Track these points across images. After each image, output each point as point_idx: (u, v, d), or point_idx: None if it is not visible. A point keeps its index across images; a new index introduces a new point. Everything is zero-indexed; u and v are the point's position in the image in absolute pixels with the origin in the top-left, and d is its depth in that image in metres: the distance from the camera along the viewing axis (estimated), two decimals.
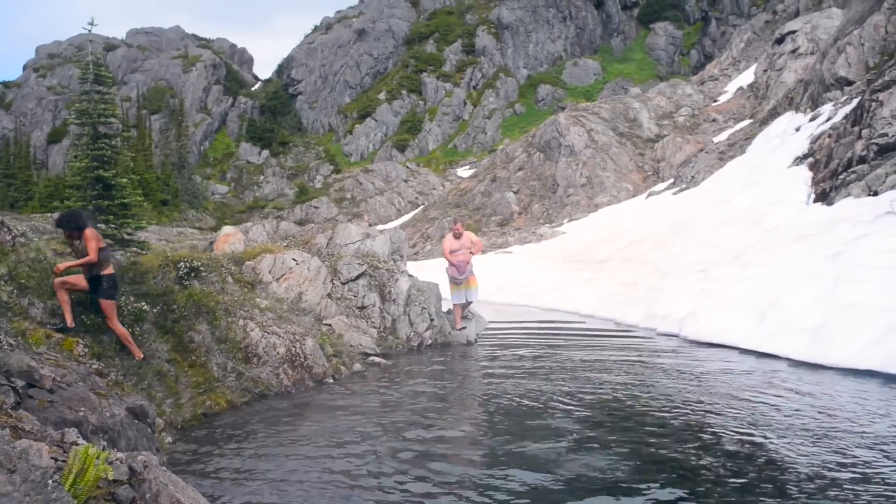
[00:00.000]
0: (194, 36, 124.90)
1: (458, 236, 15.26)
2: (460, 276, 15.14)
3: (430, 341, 14.70)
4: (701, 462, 7.25)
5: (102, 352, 8.47)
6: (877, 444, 7.82)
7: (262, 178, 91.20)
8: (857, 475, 6.75)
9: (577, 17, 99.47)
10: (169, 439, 8.03)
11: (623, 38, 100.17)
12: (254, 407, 9.69)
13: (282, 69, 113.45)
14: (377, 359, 12.77)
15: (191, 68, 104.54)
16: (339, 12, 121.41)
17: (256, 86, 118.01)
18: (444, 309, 15.71)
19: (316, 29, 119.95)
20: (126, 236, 9.95)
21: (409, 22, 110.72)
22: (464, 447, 8.16)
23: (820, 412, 9.19)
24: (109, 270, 8.36)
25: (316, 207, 77.13)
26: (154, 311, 9.79)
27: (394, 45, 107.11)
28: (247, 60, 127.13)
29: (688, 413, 9.19)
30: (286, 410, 9.55)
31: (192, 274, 11.04)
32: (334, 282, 14.21)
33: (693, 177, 38.35)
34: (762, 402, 9.73)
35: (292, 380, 10.59)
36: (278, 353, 10.68)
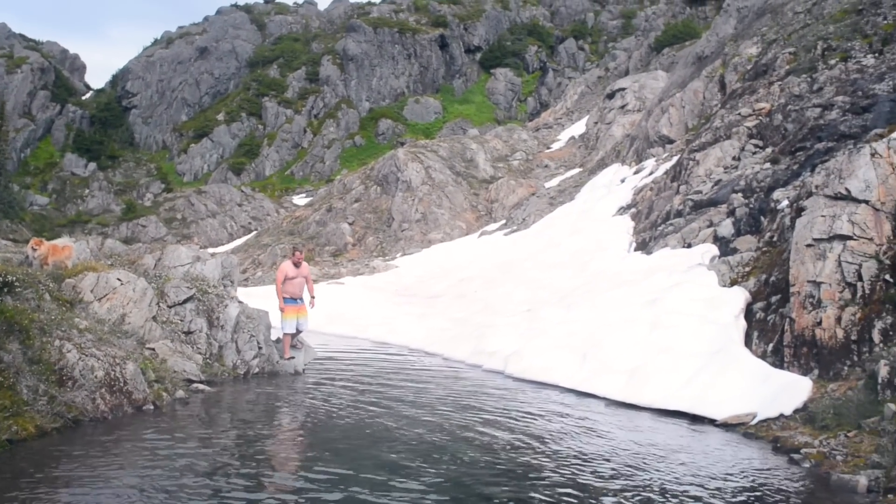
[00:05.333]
0: (21, 36, 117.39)
1: (297, 265, 15.10)
2: (296, 300, 14.99)
3: (257, 370, 14.40)
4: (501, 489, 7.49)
5: None
6: (667, 479, 8.33)
7: (87, 191, 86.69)
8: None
9: (421, 56, 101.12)
10: None
11: (465, 80, 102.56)
12: (66, 434, 9.18)
13: (116, 80, 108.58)
14: (201, 386, 12.41)
15: (15, 70, 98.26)
16: (181, 28, 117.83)
17: (88, 95, 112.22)
18: (274, 337, 15.46)
19: (156, 42, 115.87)
20: None
21: (253, 45, 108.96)
22: (284, 474, 8.06)
23: (621, 449, 9.67)
24: None
25: (144, 226, 74.06)
26: None
27: (236, 66, 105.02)
28: (79, 68, 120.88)
29: (500, 448, 9.45)
30: (101, 437, 9.11)
31: (5, 289, 10.39)
32: (160, 304, 13.72)
33: (524, 219, 39.59)
34: (570, 438, 10.15)
35: (110, 405, 10.11)
36: (96, 377, 10.18)
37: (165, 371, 12.02)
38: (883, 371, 10.10)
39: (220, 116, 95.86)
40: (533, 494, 7.61)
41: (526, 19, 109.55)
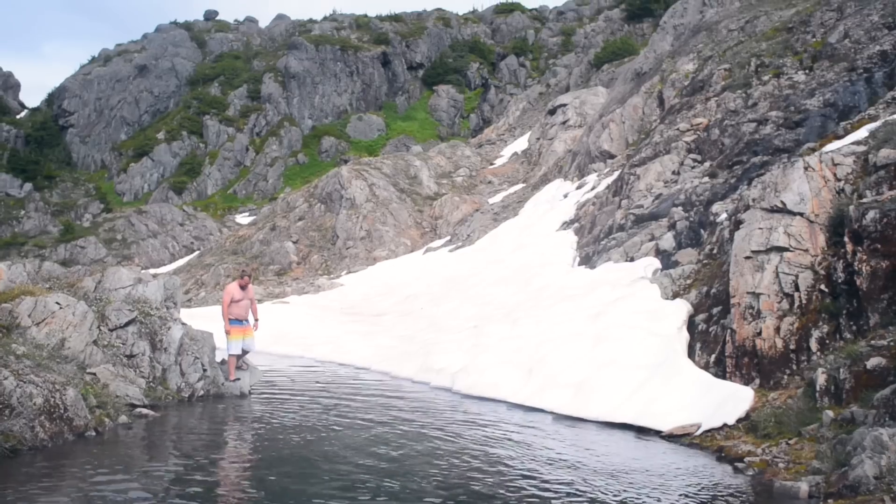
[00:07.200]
0: None
1: (243, 287, 15.03)
2: (242, 321, 14.88)
3: (202, 392, 14.19)
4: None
5: None
6: (613, 491, 8.43)
7: (23, 212, 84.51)
8: None
9: (363, 73, 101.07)
10: None
11: (407, 97, 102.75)
12: (3, 464, 8.92)
13: (52, 99, 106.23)
14: (145, 410, 12.18)
15: None
16: (119, 45, 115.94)
17: (23, 114, 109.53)
18: (219, 359, 15.25)
19: (93, 60, 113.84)
20: None
21: (193, 62, 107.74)
22: (231, 499, 7.96)
23: (568, 463, 9.75)
24: None
25: (83, 248, 72.48)
26: None
27: (176, 84, 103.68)
28: (13, 86, 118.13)
29: (451, 465, 9.46)
30: (40, 467, 8.89)
31: None
32: (101, 328, 13.45)
33: (469, 235, 39.72)
34: (518, 453, 10.20)
35: (50, 433, 9.87)
36: (35, 404, 9.93)
37: (107, 396, 11.78)
38: (821, 379, 10.36)
39: (161, 135, 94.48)
40: None
41: (467, 36, 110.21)
